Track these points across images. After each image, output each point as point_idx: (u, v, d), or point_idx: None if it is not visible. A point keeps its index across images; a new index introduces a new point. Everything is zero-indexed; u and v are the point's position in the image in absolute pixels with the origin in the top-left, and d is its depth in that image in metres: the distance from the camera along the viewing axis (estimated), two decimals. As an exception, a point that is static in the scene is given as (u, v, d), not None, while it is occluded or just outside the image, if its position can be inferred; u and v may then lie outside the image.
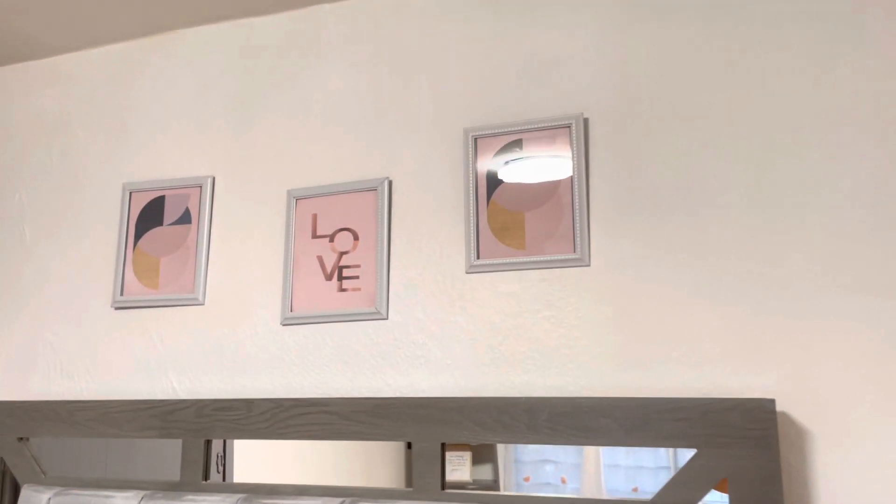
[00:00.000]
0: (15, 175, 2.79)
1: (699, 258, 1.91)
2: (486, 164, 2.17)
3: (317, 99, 2.43)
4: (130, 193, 2.56)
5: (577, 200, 2.04)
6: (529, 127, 2.13)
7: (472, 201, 2.14)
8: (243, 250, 2.40)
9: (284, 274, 2.31)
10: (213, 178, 2.49)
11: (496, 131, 2.17)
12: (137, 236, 2.51)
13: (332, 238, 2.29)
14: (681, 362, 1.86)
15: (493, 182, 2.15)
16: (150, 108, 2.65)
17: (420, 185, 2.25)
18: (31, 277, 2.64)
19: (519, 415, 1.86)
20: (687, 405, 1.72)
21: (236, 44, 2.59)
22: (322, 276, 2.27)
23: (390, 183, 2.27)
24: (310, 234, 2.32)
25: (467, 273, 2.13)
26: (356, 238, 2.26)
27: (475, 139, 2.19)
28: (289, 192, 2.37)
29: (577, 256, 2.01)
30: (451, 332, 2.10)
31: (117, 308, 2.49)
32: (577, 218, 2.03)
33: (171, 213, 2.50)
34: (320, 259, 2.29)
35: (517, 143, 2.15)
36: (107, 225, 2.59)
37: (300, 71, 2.48)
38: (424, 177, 2.25)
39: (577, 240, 2.02)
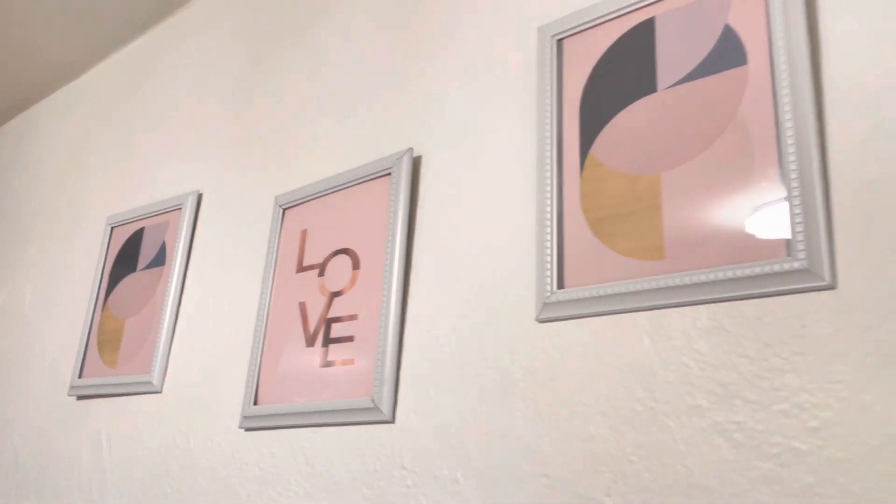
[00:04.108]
0: (32, 224, 2.18)
1: None
2: (580, 85, 1.01)
3: (326, 53, 1.47)
4: (111, 229, 1.78)
5: (789, 124, 0.80)
6: (670, -9, 0.94)
7: (549, 164, 0.99)
8: (216, 301, 1.46)
9: (254, 338, 1.32)
10: (199, 194, 1.61)
11: (601, 16, 1.01)
12: (110, 287, 1.70)
13: (322, 269, 1.26)
14: None
15: (593, 119, 0.97)
16: (152, 115, 1.89)
17: (463, 150, 1.14)
18: (24, 353, 1.95)
19: None
20: None
21: (242, 2, 1.75)
22: (302, 339, 1.24)
23: (413, 158, 1.20)
24: (294, 264, 1.31)
25: (539, 321, 0.95)
26: (356, 266, 1.21)
27: (558, 42, 1.05)
28: (276, 200, 1.40)
29: (800, 266, 0.75)
30: (508, 459, 0.92)
31: (78, 398, 1.67)
32: (798, 170, 0.78)
33: (146, 252, 1.66)
34: (303, 308, 1.26)
35: (642, 31, 0.96)
36: (88, 276, 1.83)
37: (309, 16, 1.55)
38: (470, 134, 1.14)
39: (801, 226, 0.76)
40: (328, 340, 1.19)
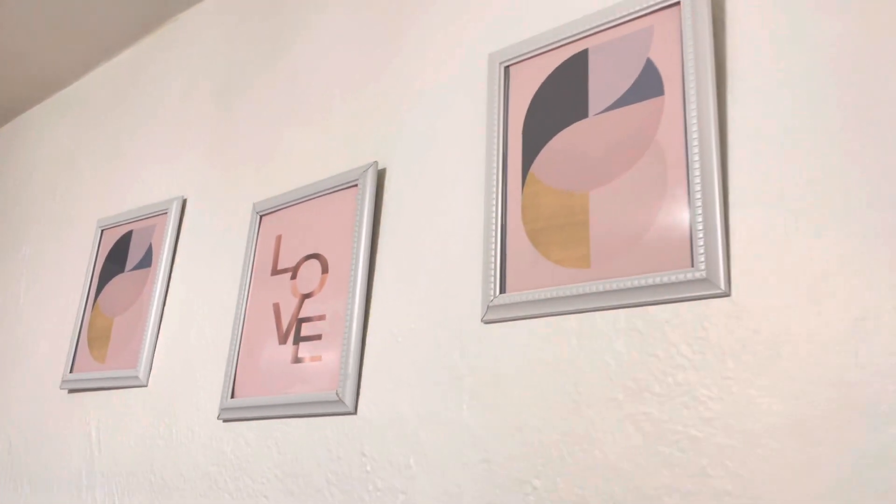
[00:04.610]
0: (25, 225, 2.27)
1: None
2: (523, 109, 1.11)
3: (301, 71, 1.57)
4: (102, 231, 1.88)
5: (695, 150, 0.90)
6: (606, 22, 1.05)
7: (495, 179, 1.09)
8: (198, 300, 1.56)
9: (231, 336, 1.42)
10: (184, 200, 1.71)
11: (543, 46, 1.11)
12: (100, 287, 1.80)
13: (294, 272, 1.36)
14: None
15: (534, 140, 1.08)
16: (140, 123, 1.98)
17: (422, 165, 1.25)
18: (18, 347, 2.04)
19: None
20: None
21: (226, 16, 1.84)
22: (276, 337, 1.34)
23: (378, 171, 1.30)
24: (269, 267, 1.42)
25: (484, 322, 1.06)
26: (325, 270, 1.31)
27: (506, 68, 1.15)
28: (254, 207, 1.50)
29: (701, 276, 0.86)
30: (455, 446, 1.03)
31: (69, 391, 1.77)
32: (702, 191, 0.89)
33: (134, 254, 1.76)
34: (276, 309, 1.36)
35: (577, 61, 1.07)
36: (79, 275, 1.93)
37: (288, 34, 1.65)
38: (428, 150, 1.25)
39: (702, 241, 0.87)
40: (299, 338, 1.29)
